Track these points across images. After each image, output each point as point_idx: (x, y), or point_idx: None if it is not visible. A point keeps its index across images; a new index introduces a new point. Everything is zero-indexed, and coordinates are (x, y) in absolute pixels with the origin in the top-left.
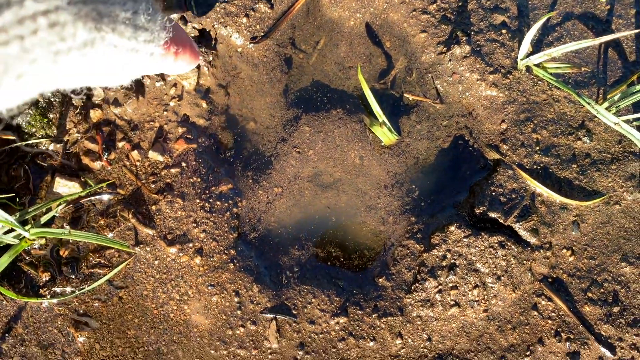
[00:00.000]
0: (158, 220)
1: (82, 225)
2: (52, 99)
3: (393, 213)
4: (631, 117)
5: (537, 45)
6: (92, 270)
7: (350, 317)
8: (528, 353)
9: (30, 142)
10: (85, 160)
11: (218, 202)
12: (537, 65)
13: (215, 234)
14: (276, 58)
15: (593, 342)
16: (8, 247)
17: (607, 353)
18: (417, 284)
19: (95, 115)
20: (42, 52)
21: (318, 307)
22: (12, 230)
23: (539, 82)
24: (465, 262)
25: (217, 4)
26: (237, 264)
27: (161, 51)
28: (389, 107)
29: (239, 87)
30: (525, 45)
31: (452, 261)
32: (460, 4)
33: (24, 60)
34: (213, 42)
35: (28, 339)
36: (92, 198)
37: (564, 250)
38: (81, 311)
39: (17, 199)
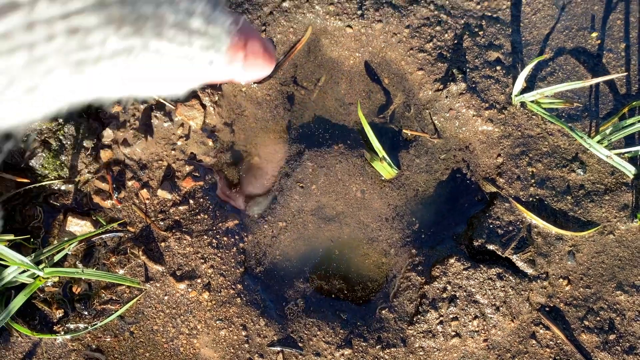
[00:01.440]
0: (167, 256)
1: (94, 262)
2: (64, 142)
3: (395, 245)
4: (623, 150)
5: (531, 80)
6: (103, 307)
7: (354, 348)
8: None
9: (43, 183)
10: (96, 199)
11: (225, 238)
12: (532, 101)
13: (222, 269)
14: (279, 96)
15: None
16: (23, 285)
17: None
18: (419, 316)
19: (105, 155)
20: (59, 61)
21: (323, 339)
22: (26, 270)
23: (533, 117)
24: (465, 293)
25: None
26: (244, 298)
27: (224, 58)
28: (388, 141)
29: (243, 125)
30: (520, 83)
31: (453, 293)
32: (455, 41)
33: (36, 71)
34: (218, 83)
35: None
36: (103, 236)
37: (561, 280)
38: (94, 346)
39: (31, 239)
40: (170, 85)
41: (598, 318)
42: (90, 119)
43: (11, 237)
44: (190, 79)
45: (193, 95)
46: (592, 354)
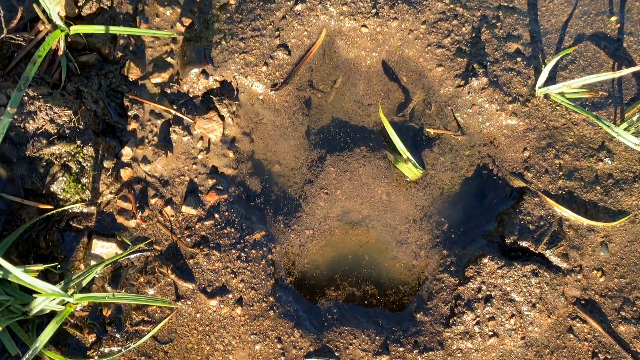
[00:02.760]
0: (197, 273)
1: (122, 284)
2: (83, 164)
3: (424, 247)
4: None
5: (552, 70)
6: (136, 328)
7: (391, 354)
8: None
9: (65, 208)
10: (120, 220)
11: (253, 251)
12: (555, 93)
13: (253, 282)
14: (297, 102)
15: None
16: (53, 312)
17: None
18: (455, 317)
19: (125, 174)
20: None
21: (360, 347)
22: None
23: (557, 107)
24: (500, 292)
25: (236, 54)
26: (277, 311)
27: None
28: (409, 140)
29: (262, 133)
30: (544, 75)
31: (488, 293)
32: (473, 35)
33: None
34: (235, 92)
35: None
36: (130, 257)
37: (595, 272)
38: None
39: (58, 265)
40: None
41: (635, 308)
42: (108, 137)
43: (40, 267)
44: None
45: (210, 106)
46: (630, 344)
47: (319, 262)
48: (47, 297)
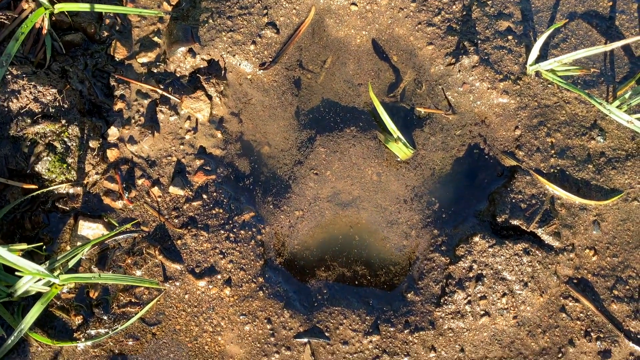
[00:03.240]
0: (184, 254)
1: (109, 265)
2: (69, 144)
3: (415, 227)
4: None
5: (544, 48)
6: (123, 310)
7: (382, 334)
8: (560, 355)
9: (50, 188)
10: (107, 201)
11: (242, 231)
12: (547, 70)
13: (242, 263)
14: (286, 82)
15: (623, 340)
16: (39, 294)
17: (638, 349)
18: (446, 297)
19: (112, 154)
20: None
21: (350, 327)
22: (41, 278)
23: (549, 86)
24: (491, 271)
25: (224, 33)
26: (267, 291)
27: None
28: (400, 120)
29: (251, 114)
30: (535, 52)
31: (479, 272)
32: (464, 12)
33: None
34: (223, 71)
35: None
36: (117, 238)
37: (587, 251)
38: (116, 351)
39: (43, 246)
40: None
41: (627, 287)
42: (94, 117)
43: (24, 246)
44: None
45: (198, 86)
46: (623, 323)
47: (309, 243)
48: (32, 278)
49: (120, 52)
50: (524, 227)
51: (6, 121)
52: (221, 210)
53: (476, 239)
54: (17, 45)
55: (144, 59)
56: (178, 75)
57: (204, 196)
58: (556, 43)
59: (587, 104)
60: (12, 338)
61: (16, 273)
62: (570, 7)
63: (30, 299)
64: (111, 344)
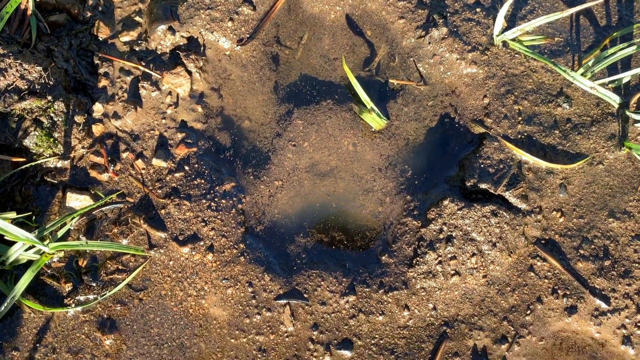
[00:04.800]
0: (168, 223)
1: (97, 235)
2: (55, 119)
3: (389, 194)
4: (606, 80)
5: (512, 20)
6: (111, 277)
7: (358, 295)
8: (528, 312)
9: (39, 161)
10: (93, 174)
11: (223, 201)
12: (513, 40)
13: (223, 230)
14: (264, 57)
15: (588, 296)
16: (30, 263)
17: (602, 304)
18: (418, 258)
19: (97, 129)
20: None
21: (327, 288)
22: (32, 247)
23: (516, 55)
24: (461, 233)
25: (202, 10)
26: (248, 257)
27: None
28: (375, 93)
29: (230, 89)
30: (500, 22)
31: (449, 233)
32: None
33: None
34: (202, 48)
35: (58, 346)
36: (103, 208)
37: (554, 213)
38: (105, 316)
39: (33, 217)
40: None
41: (593, 246)
42: (79, 94)
43: (13, 214)
44: None
45: (178, 62)
46: (589, 280)
47: (289, 211)
48: (23, 246)
49: (103, 32)
50: (492, 191)
51: None
52: (203, 181)
53: (446, 202)
54: (1, 25)
55: (126, 37)
56: (159, 53)
57: (186, 167)
58: (523, 15)
59: (553, 72)
60: (5, 304)
61: (6, 241)
62: None
63: (22, 268)
64: (100, 309)
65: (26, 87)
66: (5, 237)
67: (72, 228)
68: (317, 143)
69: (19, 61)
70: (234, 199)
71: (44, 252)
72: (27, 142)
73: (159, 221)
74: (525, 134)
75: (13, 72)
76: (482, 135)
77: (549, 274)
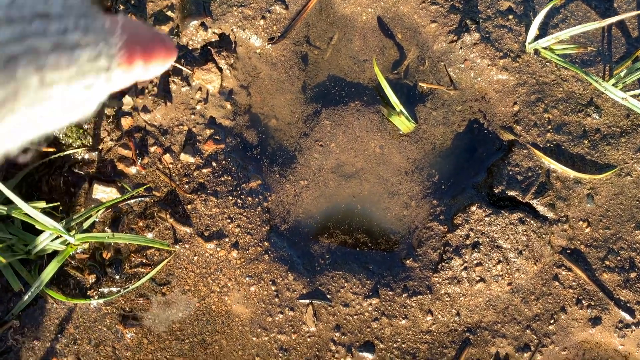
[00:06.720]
0: (194, 218)
1: (122, 228)
2: None
3: (415, 197)
4: (638, 91)
5: (543, 28)
6: (134, 270)
7: (381, 298)
8: (552, 321)
9: (67, 152)
10: (120, 166)
11: (249, 198)
12: (545, 48)
13: (249, 228)
14: (293, 56)
15: (613, 307)
16: (55, 253)
17: (627, 316)
18: (443, 263)
19: (126, 122)
20: None
21: (351, 290)
22: (58, 237)
23: (547, 64)
24: (487, 239)
25: (235, 8)
26: (272, 255)
27: (119, 69)
28: (403, 96)
29: (259, 87)
30: (533, 30)
31: (476, 239)
32: None
33: None
34: (233, 45)
35: (80, 338)
36: (129, 202)
37: (581, 223)
38: (127, 308)
39: (60, 207)
40: (75, 111)
41: (619, 258)
42: None
43: (43, 204)
44: (93, 97)
45: (209, 58)
46: (614, 292)
47: (313, 211)
48: (50, 235)
49: None
50: (520, 198)
51: None
52: (229, 178)
53: (473, 208)
54: None
55: None
56: (190, 48)
57: (214, 164)
58: (555, 23)
59: (584, 82)
60: (30, 293)
61: (35, 229)
62: None
63: (46, 258)
64: (122, 302)
65: None
66: (34, 227)
67: (97, 220)
68: (344, 144)
69: None
70: (260, 196)
71: (69, 243)
72: (56, 131)
73: (185, 216)
74: (554, 142)
75: None
76: (511, 142)
77: (573, 284)
